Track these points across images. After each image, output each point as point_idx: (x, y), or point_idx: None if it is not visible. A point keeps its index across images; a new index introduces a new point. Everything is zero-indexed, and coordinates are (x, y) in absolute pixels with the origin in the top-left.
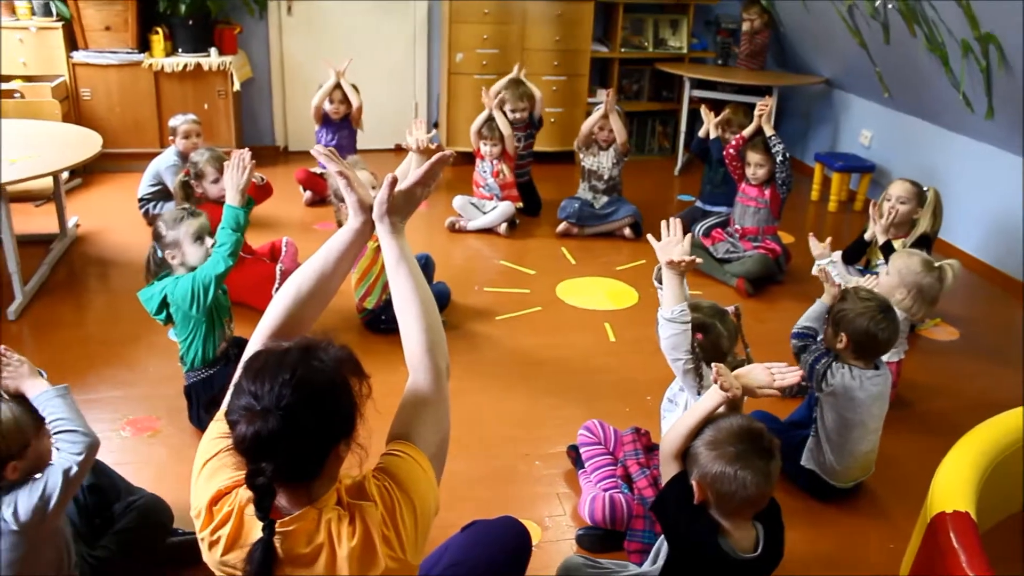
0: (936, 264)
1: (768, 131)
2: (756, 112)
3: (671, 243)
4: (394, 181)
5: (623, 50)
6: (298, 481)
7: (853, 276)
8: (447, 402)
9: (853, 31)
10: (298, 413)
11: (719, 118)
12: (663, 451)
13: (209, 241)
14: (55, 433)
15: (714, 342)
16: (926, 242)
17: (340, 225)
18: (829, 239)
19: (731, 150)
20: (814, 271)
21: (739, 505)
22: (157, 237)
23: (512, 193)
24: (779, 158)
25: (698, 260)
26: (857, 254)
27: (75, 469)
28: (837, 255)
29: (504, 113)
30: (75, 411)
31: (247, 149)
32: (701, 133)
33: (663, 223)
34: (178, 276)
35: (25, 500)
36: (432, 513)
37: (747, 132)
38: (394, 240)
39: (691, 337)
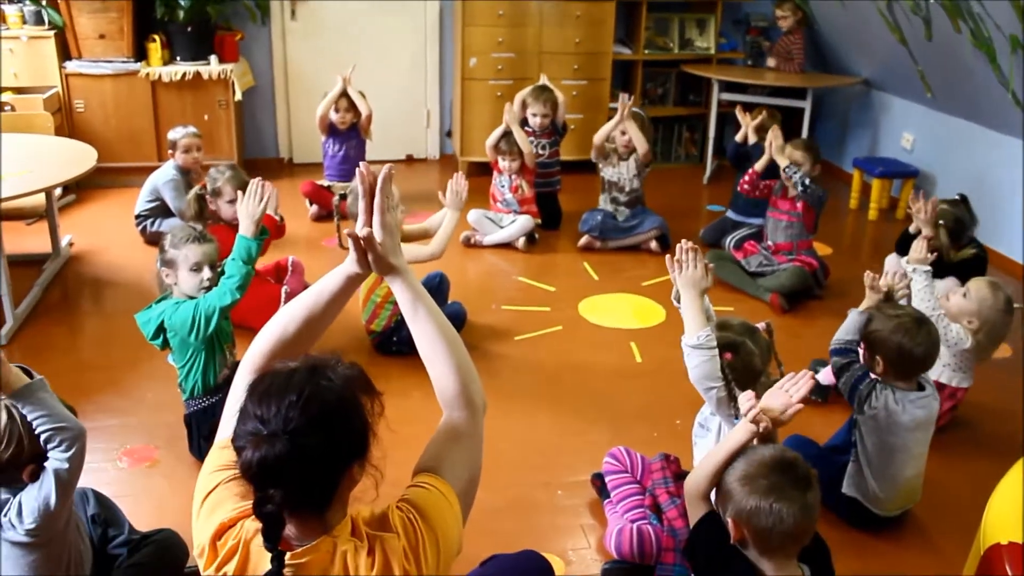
0: (1016, 306)
1: (782, 163)
2: (766, 144)
3: (697, 276)
4: (369, 236)
5: (647, 52)
6: (309, 509)
7: (929, 292)
8: (481, 440)
9: (892, 28)
10: (307, 436)
11: (757, 121)
12: (688, 491)
13: (207, 272)
14: (39, 433)
15: (745, 362)
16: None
17: (342, 245)
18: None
19: (746, 185)
20: (866, 279)
21: (779, 541)
22: (161, 249)
23: (531, 208)
24: (799, 189)
25: (711, 264)
26: (906, 245)
27: (65, 467)
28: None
29: (525, 120)
30: (54, 404)
31: (261, 179)
32: (739, 137)
33: (679, 247)
34: (178, 300)
35: (28, 502)
36: (455, 552)
37: (759, 166)
38: (402, 283)
39: (720, 361)
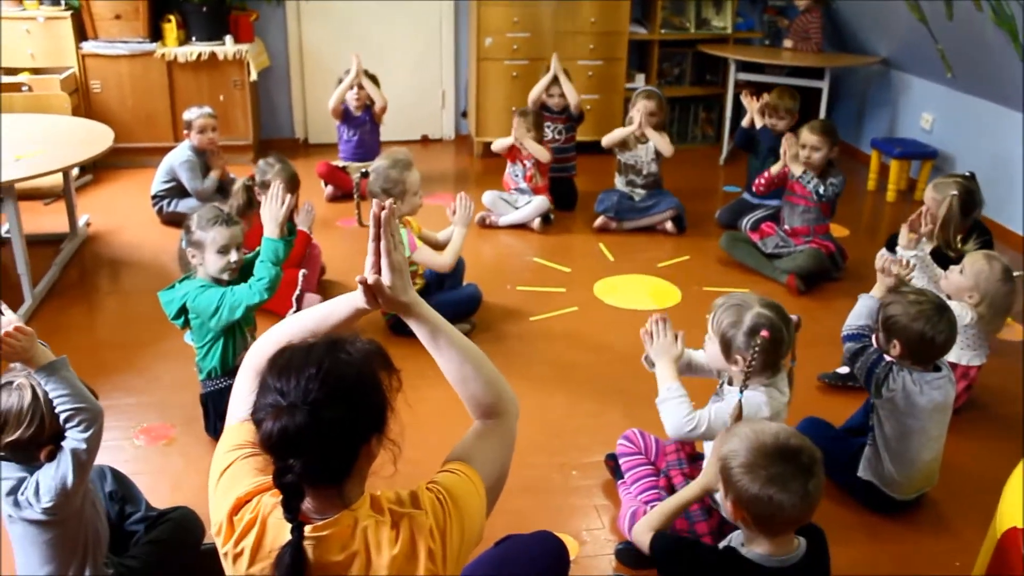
0: (1016, 274)
1: (797, 171)
2: (781, 151)
3: (667, 344)
4: (376, 282)
5: (663, 31)
6: (328, 481)
7: (920, 272)
8: (513, 441)
9: (912, 6)
10: (326, 407)
11: (761, 103)
12: (639, 531)
13: (234, 255)
14: (59, 411)
15: (776, 344)
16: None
17: (361, 223)
18: (925, 231)
19: (761, 187)
20: (878, 261)
21: (778, 527)
22: (187, 230)
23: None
24: (815, 197)
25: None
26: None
27: (83, 447)
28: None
29: (544, 105)
30: (76, 383)
31: (280, 183)
32: (745, 123)
33: (651, 320)
34: (203, 283)
35: (46, 481)
36: (475, 540)
37: (775, 171)
38: (417, 319)
39: (755, 338)
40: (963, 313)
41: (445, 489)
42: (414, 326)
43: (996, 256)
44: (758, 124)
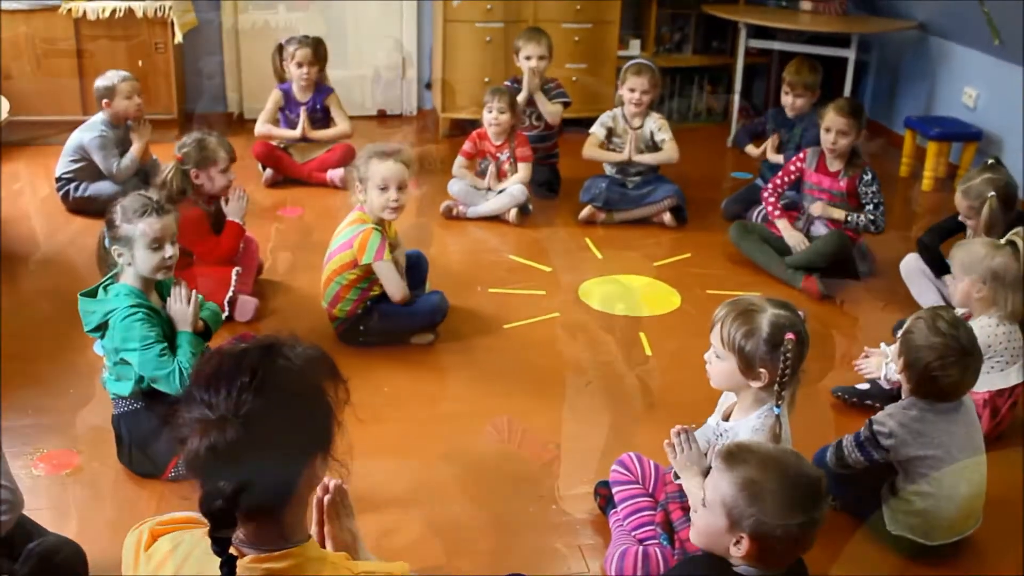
0: (1002, 242)
1: (838, 215)
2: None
3: (694, 457)
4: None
5: None
6: (264, 507)
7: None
8: None
9: None
10: (262, 421)
11: (769, 144)
12: None
13: (169, 249)
14: None
15: (802, 346)
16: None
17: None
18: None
19: (770, 204)
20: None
21: (790, 558)
22: (109, 224)
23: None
24: (874, 229)
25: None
26: (935, 251)
27: None
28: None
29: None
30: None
31: (183, 280)
32: (754, 152)
33: (673, 432)
34: (136, 299)
35: None
36: None
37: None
38: None
39: (775, 345)
40: (984, 329)
41: None
42: None
43: (970, 240)
44: (773, 158)
